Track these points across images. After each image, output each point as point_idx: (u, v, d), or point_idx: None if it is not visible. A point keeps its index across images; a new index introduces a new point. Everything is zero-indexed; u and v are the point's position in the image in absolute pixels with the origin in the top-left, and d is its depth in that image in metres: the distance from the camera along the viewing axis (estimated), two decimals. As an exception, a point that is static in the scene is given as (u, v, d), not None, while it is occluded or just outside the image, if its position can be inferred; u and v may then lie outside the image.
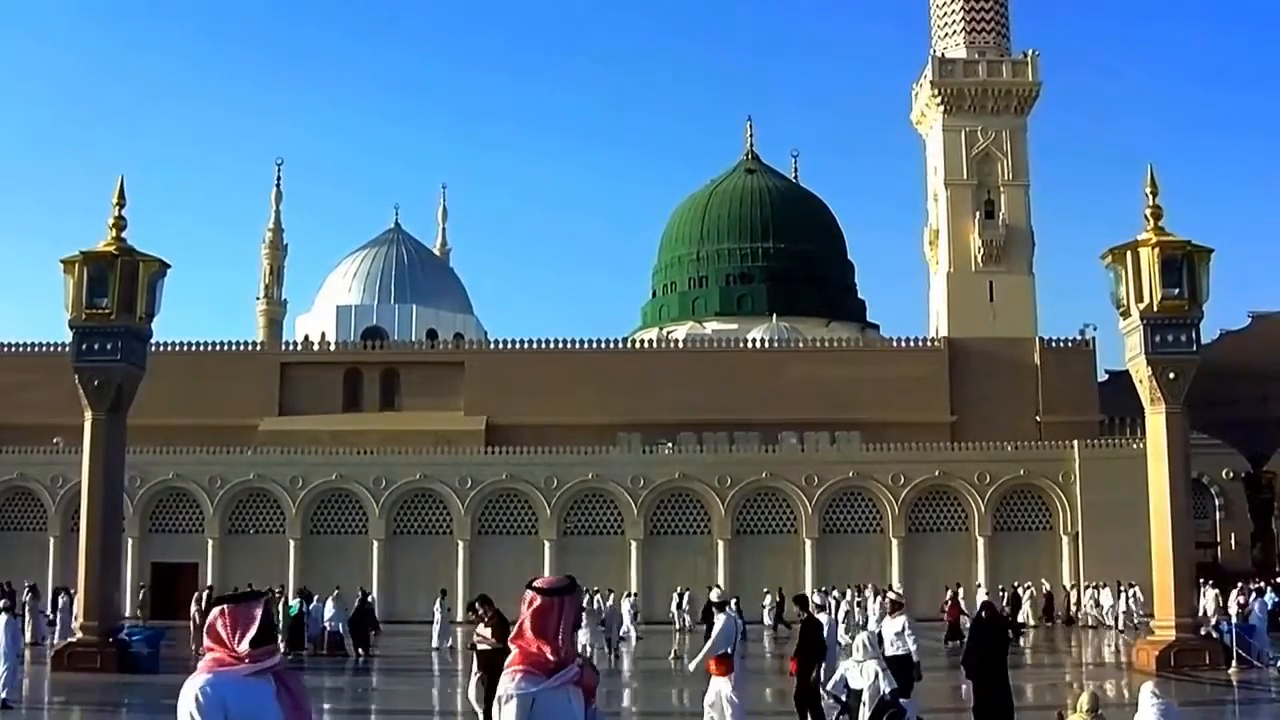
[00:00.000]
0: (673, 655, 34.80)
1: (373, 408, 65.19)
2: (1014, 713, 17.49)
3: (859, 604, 45.58)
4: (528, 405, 61.94)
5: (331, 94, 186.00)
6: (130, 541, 50.45)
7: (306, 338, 74.42)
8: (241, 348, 67.58)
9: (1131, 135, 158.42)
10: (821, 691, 17.68)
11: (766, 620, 47.58)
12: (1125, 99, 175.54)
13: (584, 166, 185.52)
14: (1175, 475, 29.59)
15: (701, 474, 55.84)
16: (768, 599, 48.94)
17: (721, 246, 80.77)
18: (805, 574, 53.52)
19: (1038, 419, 63.17)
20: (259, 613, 5.29)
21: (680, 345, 69.66)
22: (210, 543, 54.77)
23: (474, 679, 17.69)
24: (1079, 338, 65.55)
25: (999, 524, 55.59)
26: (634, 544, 54.93)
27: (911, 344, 66.75)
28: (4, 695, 21.91)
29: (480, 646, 17.73)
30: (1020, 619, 46.56)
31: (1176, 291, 29.57)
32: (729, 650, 15.61)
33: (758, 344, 67.60)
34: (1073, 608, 52.19)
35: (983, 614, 19.06)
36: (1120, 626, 46.12)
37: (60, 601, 39.52)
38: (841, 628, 33.51)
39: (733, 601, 21.48)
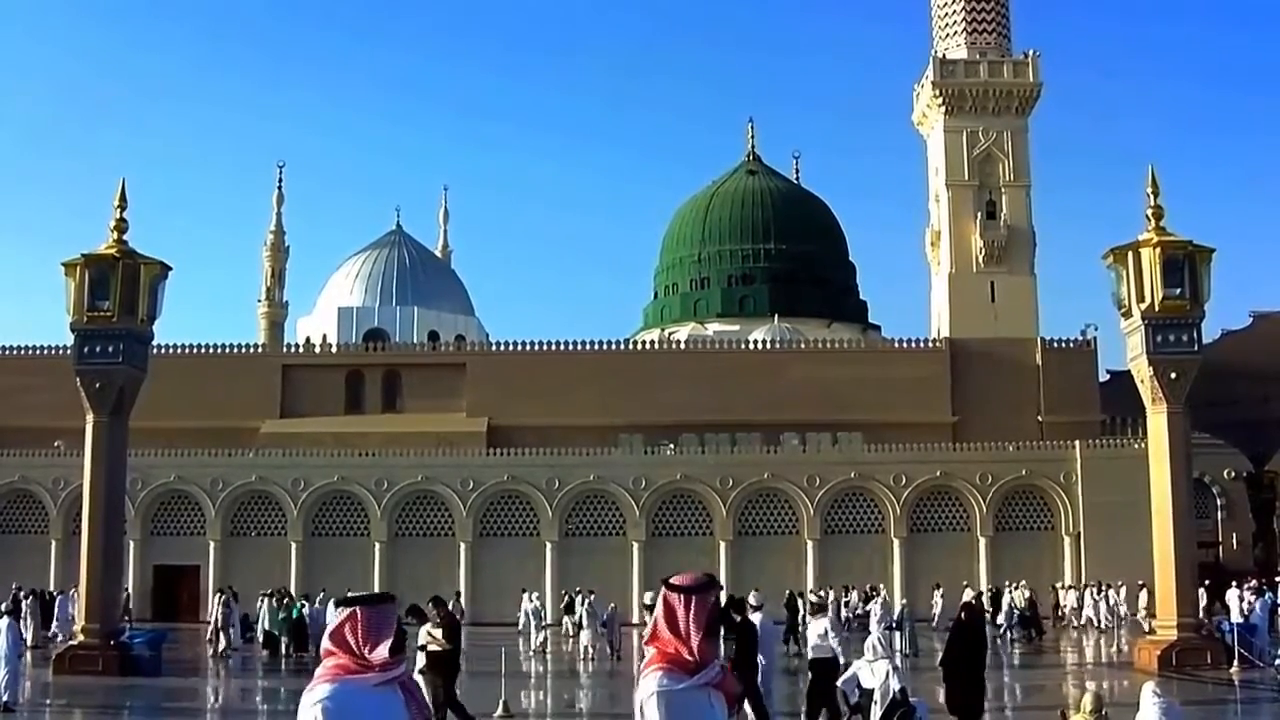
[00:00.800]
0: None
1: (374, 409, 65.20)
2: (982, 713, 17.55)
3: (846, 603, 45.82)
4: (529, 407, 61.95)
5: (332, 95, 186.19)
6: (132, 544, 50.48)
7: (308, 340, 74.41)
8: (243, 350, 67.61)
9: (1133, 135, 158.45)
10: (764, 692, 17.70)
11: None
12: (1126, 99, 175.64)
13: (585, 168, 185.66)
14: (1177, 475, 29.58)
15: (703, 475, 55.83)
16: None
17: (723, 247, 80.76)
18: (807, 575, 53.49)
19: (1039, 419, 63.16)
20: (394, 617, 4.87)
21: (682, 346, 69.63)
22: (212, 545, 54.77)
23: (421, 662, 17.60)
24: (1080, 338, 65.56)
25: (1000, 524, 55.58)
26: (636, 545, 54.91)
27: (913, 345, 66.76)
28: (5, 698, 21.92)
29: (430, 647, 17.71)
30: (1000, 621, 46.49)
31: (1178, 291, 29.56)
32: (762, 660, 15.97)
33: (759, 345, 67.58)
34: (1065, 608, 51.64)
35: (962, 615, 19.04)
36: (1102, 626, 46.16)
37: (38, 602, 39.87)
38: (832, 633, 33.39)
39: None
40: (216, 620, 37.42)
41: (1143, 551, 32.21)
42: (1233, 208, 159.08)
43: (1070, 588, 51.52)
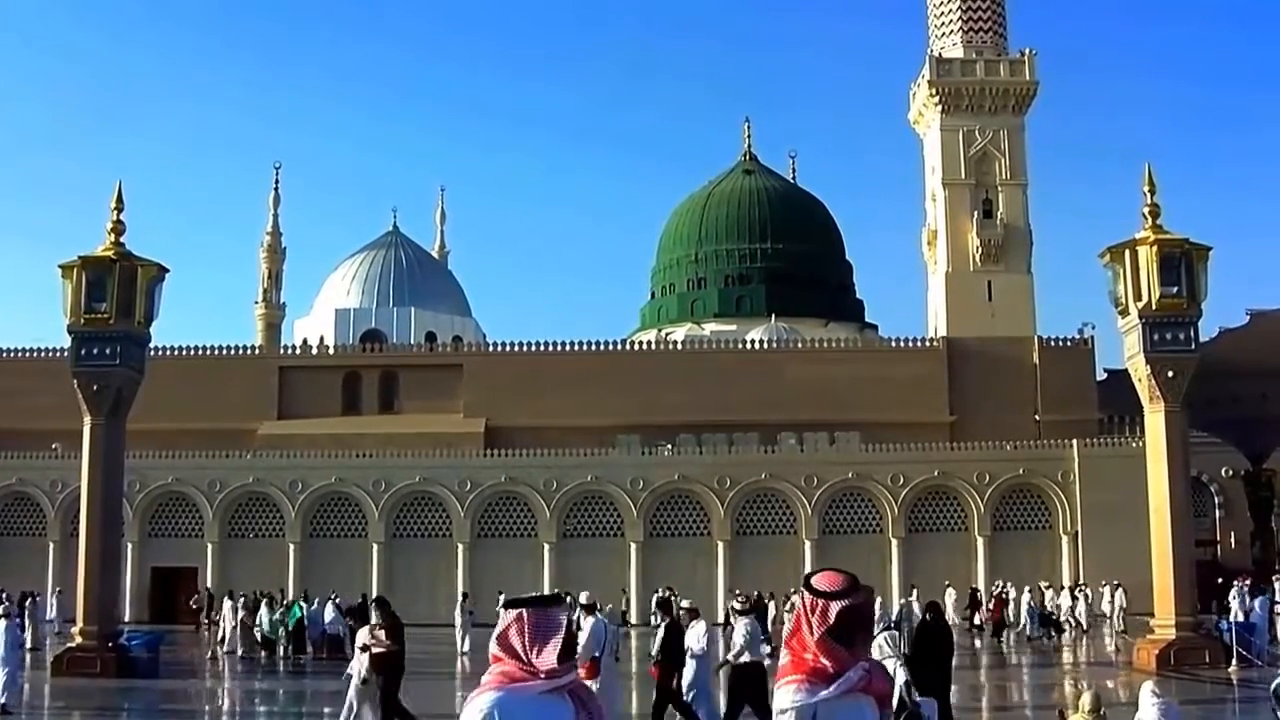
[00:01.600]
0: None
1: (372, 411, 65.19)
2: (950, 716, 17.44)
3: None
4: (527, 407, 61.96)
5: (329, 97, 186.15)
6: (130, 546, 50.44)
7: (305, 341, 74.37)
8: (240, 351, 67.64)
9: (1129, 133, 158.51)
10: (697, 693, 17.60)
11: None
12: (1123, 98, 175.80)
13: (582, 168, 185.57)
14: (1174, 474, 29.56)
15: (701, 475, 55.83)
16: (772, 604, 48.48)
17: (720, 248, 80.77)
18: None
19: (1037, 418, 63.19)
20: (564, 620, 4.55)
21: (679, 346, 69.63)
22: (210, 547, 54.76)
23: (359, 677, 17.49)
24: (1078, 337, 65.60)
25: (998, 524, 55.59)
26: (634, 546, 54.90)
27: (910, 344, 66.77)
28: (4, 700, 21.88)
29: (375, 649, 17.75)
30: (978, 620, 46.59)
31: (1175, 290, 29.54)
32: (596, 654, 16.02)
33: (756, 345, 67.59)
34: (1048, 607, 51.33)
35: (927, 617, 18.46)
36: (1084, 626, 46.26)
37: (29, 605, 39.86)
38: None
39: (607, 606, 21.63)
40: (240, 623, 37.64)
41: (1141, 550, 32.19)
42: (1230, 206, 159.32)
43: (1049, 587, 51.22)
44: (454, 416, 63.27)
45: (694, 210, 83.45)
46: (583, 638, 16.16)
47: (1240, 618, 32.43)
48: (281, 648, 37.02)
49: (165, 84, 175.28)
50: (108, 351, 29.46)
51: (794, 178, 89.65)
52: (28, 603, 40.44)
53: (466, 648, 37.20)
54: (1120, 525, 46.81)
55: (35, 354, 62.25)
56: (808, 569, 53.95)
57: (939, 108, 68.09)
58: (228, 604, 40.54)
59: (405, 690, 18.50)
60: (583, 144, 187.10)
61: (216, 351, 65.42)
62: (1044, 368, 64.23)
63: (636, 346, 72.01)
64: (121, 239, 30.17)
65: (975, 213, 66.93)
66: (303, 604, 38.55)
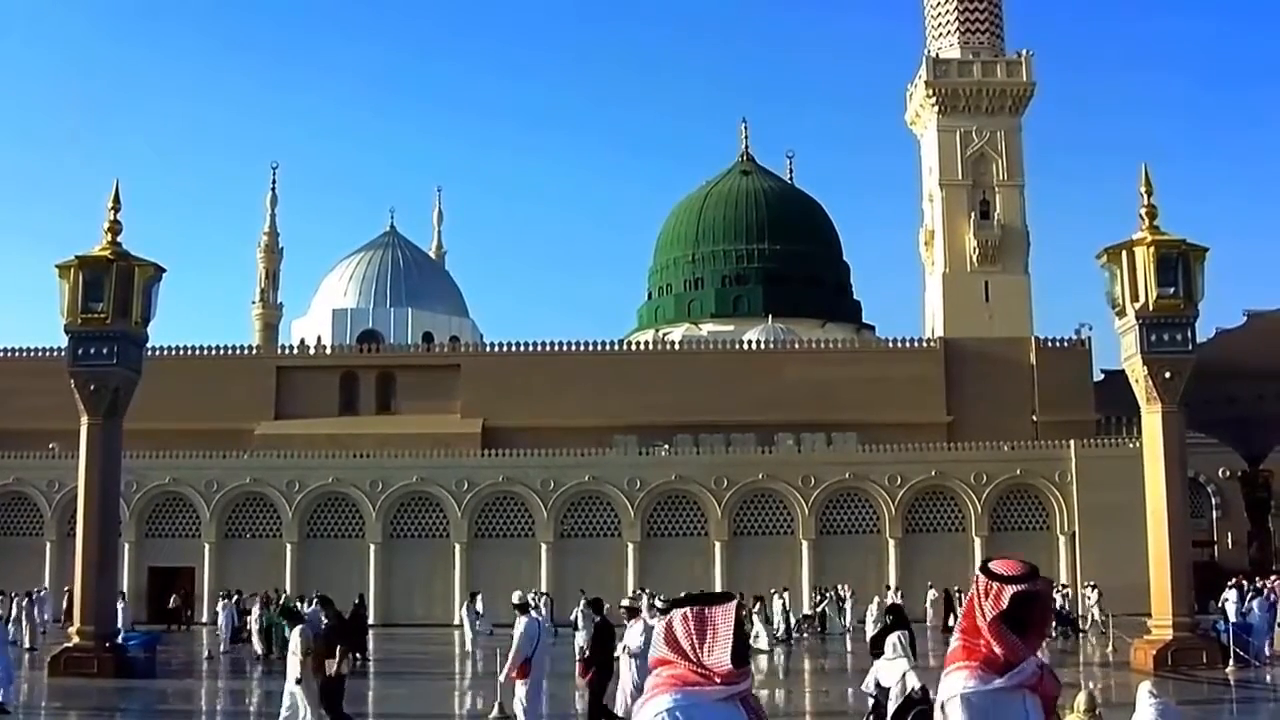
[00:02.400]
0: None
1: (369, 411, 65.14)
2: None
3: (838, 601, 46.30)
4: (524, 408, 61.94)
5: (327, 96, 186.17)
6: (127, 546, 50.35)
7: (302, 341, 74.35)
8: (237, 352, 67.56)
9: (1126, 134, 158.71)
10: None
11: (777, 622, 46.87)
12: (1120, 98, 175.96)
13: (580, 169, 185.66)
14: (1172, 474, 29.58)
15: (698, 476, 55.80)
16: (776, 601, 48.25)
17: (717, 248, 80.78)
18: (802, 575, 53.51)
19: (1034, 419, 63.21)
20: (733, 618, 4.19)
21: (676, 347, 69.61)
22: (207, 547, 54.69)
23: (292, 679, 17.57)
24: (1075, 337, 65.58)
25: (996, 524, 55.55)
26: (631, 546, 54.87)
27: (907, 344, 66.76)
28: (0, 700, 21.88)
29: (330, 669, 17.99)
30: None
31: (1172, 290, 29.57)
32: (529, 655, 16.19)
33: (753, 345, 67.58)
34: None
35: (889, 619, 17.81)
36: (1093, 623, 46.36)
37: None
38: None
39: (541, 603, 21.73)
40: (255, 627, 37.29)
41: (1138, 551, 32.18)
42: (1227, 206, 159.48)
43: (1066, 587, 51.49)
44: (451, 417, 63.25)
45: (691, 210, 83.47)
46: (515, 636, 16.34)
47: (1236, 618, 32.46)
48: (268, 648, 36.85)
49: (162, 83, 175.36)
50: (105, 351, 29.45)
51: (791, 178, 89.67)
52: (25, 601, 40.37)
53: (469, 647, 37.20)
54: (1117, 526, 46.82)
55: (32, 354, 62.16)
56: (805, 569, 54.12)
57: (936, 108, 68.13)
58: (221, 603, 40.48)
59: (404, 691, 18.51)
60: (580, 144, 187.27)
61: (214, 351, 65.36)
62: (1041, 368, 64.23)
63: (634, 347, 71.98)
64: (118, 239, 30.17)
65: (972, 213, 66.98)
66: (298, 604, 38.43)
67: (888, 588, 48.20)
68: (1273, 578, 44.67)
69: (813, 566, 54.25)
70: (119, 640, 29.65)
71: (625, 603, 20.38)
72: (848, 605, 48.95)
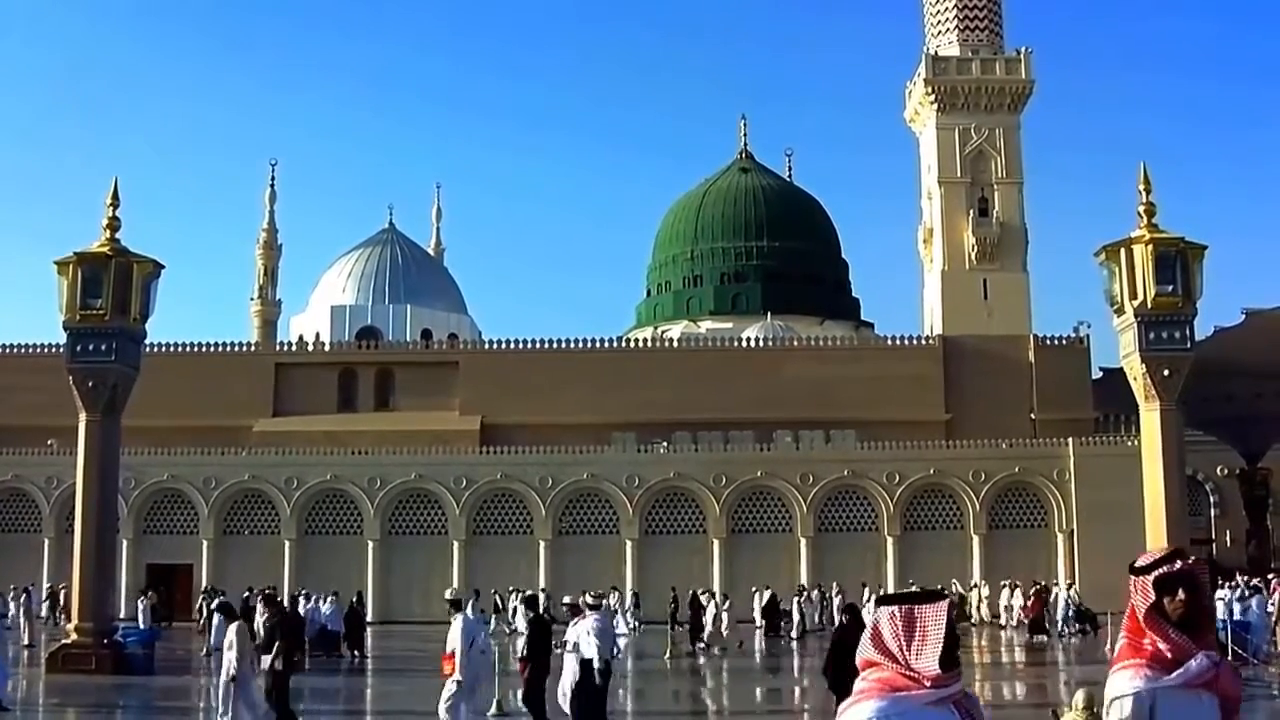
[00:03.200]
0: (668, 655, 34.99)
1: (367, 408, 65.16)
2: None
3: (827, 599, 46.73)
4: (523, 405, 61.94)
5: (325, 93, 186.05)
6: (125, 543, 50.34)
7: (301, 338, 74.37)
8: (236, 348, 67.54)
9: (1125, 132, 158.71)
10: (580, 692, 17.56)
11: (757, 619, 46.94)
12: (1118, 96, 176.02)
13: (578, 166, 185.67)
14: (1170, 472, 29.58)
15: (696, 473, 55.80)
16: (756, 597, 48.26)
17: (716, 245, 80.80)
18: (801, 573, 53.49)
19: (1032, 416, 63.22)
20: (944, 619, 3.99)
21: (675, 344, 69.66)
22: (205, 544, 54.68)
23: (226, 675, 17.53)
24: (1073, 335, 65.58)
25: (994, 522, 55.56)
26: (629, 543, 54.87)
27: (906, 342, 66.78)
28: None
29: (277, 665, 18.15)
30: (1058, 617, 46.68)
31: (1170, 288, 29.55)
32: (453, 649, 16.29)
33: (752, 343, 67.60)
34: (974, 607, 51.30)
35: (845, 619, 17.30)
36: (1015, 623, 46.41)
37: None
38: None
39: (472, 601, 21.90)
40: (262, 629, 37.07)
41: (1136, 548, 31.92)
42: (1225, 204, 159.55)
43: (1070, 585, 51.29)
44: (450, 414, 63.26)
45: (690, 208, 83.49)
46: (451, 634, 16.41)
47: (1232, 616, 32.43)
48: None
49: (161, 81, 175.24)
50: (103, 348, 29.42)
51: (790, 176, 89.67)
52: (22, 597, 40.39)
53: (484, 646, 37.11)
54: (1116, 523, 46.71)
55: (31, 350, 62.14)
56: (804, 567, 54.13)
57: (935, 106, 68.13)
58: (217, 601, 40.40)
59: (402, 689, 18.57)
60: (579, 142, 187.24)
61: (212, 348, 65.32)
62: (1040, 366, 64.24)
63: (632, 344, 72.02)
64: (117, 235, 30.14)
65: (971, 211, 67.00)
66: (300, 600, 38.49)
67: (1040, 581, 47.64)
68: (1272, 576, 44.71)
69: (811, 564, 54.24)
70: (118, 636, 29.68)
71: (567, 600, 20.44)
72: (834, 604, 48.76)
